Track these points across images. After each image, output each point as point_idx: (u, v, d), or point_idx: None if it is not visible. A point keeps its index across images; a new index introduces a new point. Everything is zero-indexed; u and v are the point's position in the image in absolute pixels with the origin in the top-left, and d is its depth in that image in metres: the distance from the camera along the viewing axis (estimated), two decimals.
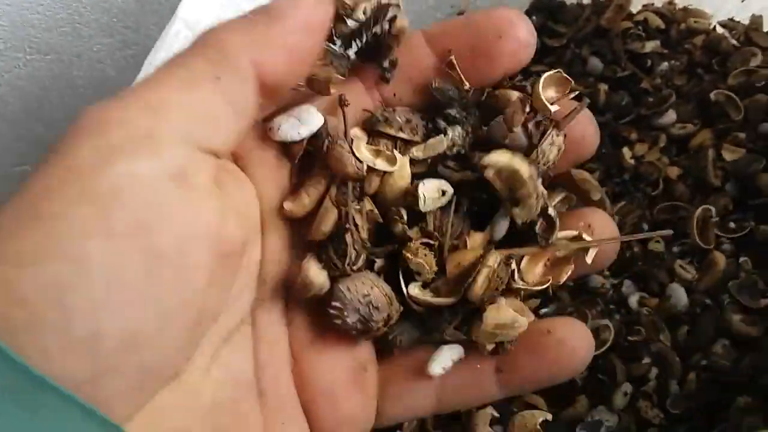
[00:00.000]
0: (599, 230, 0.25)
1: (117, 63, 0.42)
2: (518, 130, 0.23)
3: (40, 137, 0.42)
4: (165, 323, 0.19)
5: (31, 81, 0.40)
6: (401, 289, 0.24)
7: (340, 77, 0.24)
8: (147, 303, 0.18)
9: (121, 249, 0.18)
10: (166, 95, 0.20)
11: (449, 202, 0.24)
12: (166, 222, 0.19)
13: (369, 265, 0.24)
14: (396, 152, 0.24)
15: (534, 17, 0.49)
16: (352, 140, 0.23)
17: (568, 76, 0.24)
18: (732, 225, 0.40)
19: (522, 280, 0.23)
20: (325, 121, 0.24)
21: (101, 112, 0.20)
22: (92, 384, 0.17)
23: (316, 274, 0.23)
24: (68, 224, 0.18)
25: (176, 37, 0.31)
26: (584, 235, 0.24)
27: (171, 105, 0.20)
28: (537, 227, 0.23)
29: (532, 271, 0.24)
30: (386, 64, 0.25)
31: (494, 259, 0.23)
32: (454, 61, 0.24)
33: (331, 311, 0.23)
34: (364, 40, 0.24)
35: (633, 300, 0.38)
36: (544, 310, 0.37)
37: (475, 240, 0.24)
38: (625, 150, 0.43)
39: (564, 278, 0.24)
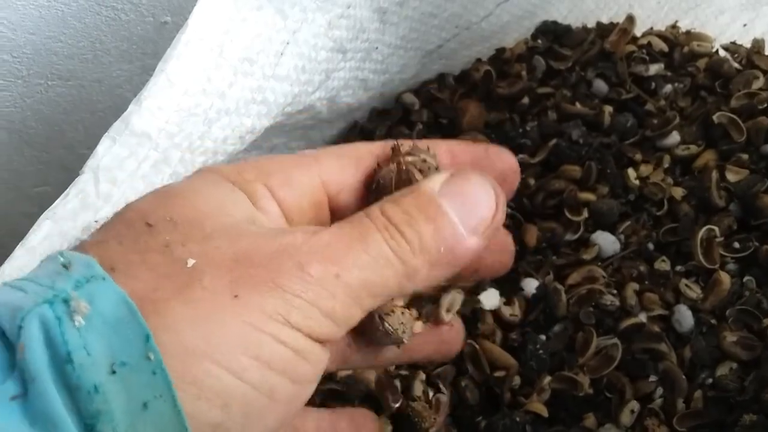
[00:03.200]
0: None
1: (136, 88, 0.42)
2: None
3: (62, 160, 0.42)
4: None
5: (52, 106, 0.41)
6: None
7: None
8: None
9: None
10: None
11: None
12: None
13: None
14: None
15: (540, 40, 0.50)
16: None
17: None
18: (736, 245, 0.40)
19: None
20: None
21: None
22: None
23: None
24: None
25: (186, 46, 0.31)
26: None
27: None
28: None
29: None
30: None
31: None
32: None
33: None
34: None
35: (641, 318, 0.38)
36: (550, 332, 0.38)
37: None
38: (630, 171, 0.43)
39: None
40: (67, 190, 0.28)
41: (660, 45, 0.48)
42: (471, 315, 0.38)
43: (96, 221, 0.28)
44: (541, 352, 0.35)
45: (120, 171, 0.29)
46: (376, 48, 0.41)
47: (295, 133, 0.42)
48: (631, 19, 0.48)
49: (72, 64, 0.40)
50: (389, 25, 0.41)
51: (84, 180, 0.29)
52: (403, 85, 0.46)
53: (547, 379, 0.36)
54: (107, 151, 0.29)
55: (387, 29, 0.41)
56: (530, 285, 0.38)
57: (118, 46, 0.41)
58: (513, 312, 0.37)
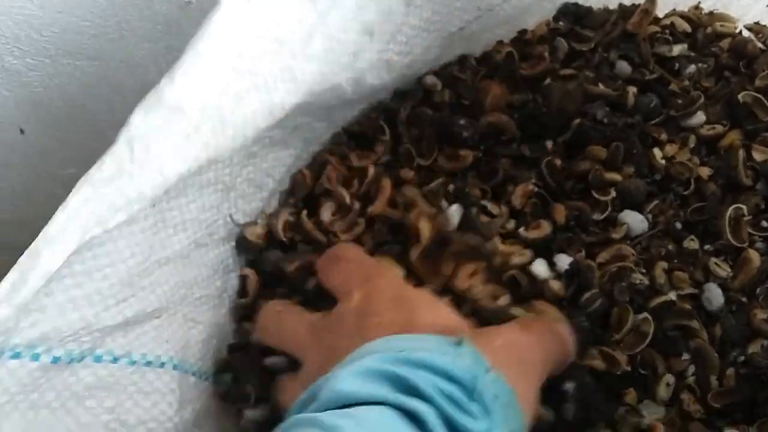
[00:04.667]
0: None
1: (160, 67, 0.42)
2: None
3: (86, 140, 0.42)
4: None
5: (78, 85, 0.41)
6: None
7: None
8: None
9: None
10: None
11: None
12: None
13: None
14: None
15: (561, 22, 0.50)
16: None
17: None
18: (764, 224, 0.39)
19: None
20: None
21: None
22: None
23: None
24: None
25: (218, 24, 0.31)
26: None
27: None
28: None
29: None
30: None
31: None
32: None
33: None
34: None
35: (671, 296, 0.37)
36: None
37: None
38: (656, 150, 0.43)
39: None
40: (103, 157, 0.28)
41: (683, 26, 0.48)
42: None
43: None
44: (586, 324, 0.35)
45: (153, 141, 0.29)
46: (401, 30, 0.41)
47: (319, 113, 0.42)
48: (652, 0, 0.47)
49: (98, 44, 0.40)
50: (414, 8, 0.41)
51: (119, 148, 0.29)
52: (425, 66, 0.46)
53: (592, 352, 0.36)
54: (141, 122, 0.30)
55: (412, 11, 0.41)
56: (563, 261, 0.37)
57: (143, 26, 0.40)
58: (559, 286, 0.37)
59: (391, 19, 0.39)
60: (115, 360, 0.34)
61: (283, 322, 0.38)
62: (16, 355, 0.30)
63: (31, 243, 0.27)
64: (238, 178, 0.39)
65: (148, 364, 0.36)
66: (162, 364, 0.37)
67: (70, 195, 0.27)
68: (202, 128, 0.31)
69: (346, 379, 0.26)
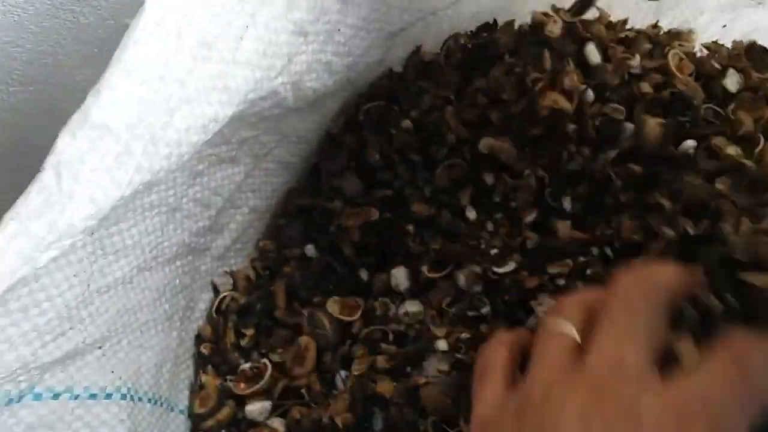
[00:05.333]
0: None
1: None
2: None
3: (27, 167, 0.41)
4: None
5: (14, 112, 0.40)
6: None
7: None
8: None
9: None
10: None
11: None
12: None
13: None
14: None
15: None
16: None
17: None
18: None
19: None
20: None
21: None
22: None
23: None
24: None
25: (143, 31, 0.30)
26: None
27: None
28: None
29: None
30: None
31: None
32: None
33: None
34: None
35: None
36: None
37: None
38: None
39: None
40: (29, 188, 0.27)
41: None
42: None
43: None
44: None
45: (82, 166, 0.28)
46: (339, 30, 0.40)
47: (264, 124, 0.41)
48: None
49: (33, 69, 0.39)
50: (352, 6, 0.40)
51: (46, 177, 0.28)
52: (368, 69, 0.45)
53: None
54: (67, 147, 0.29)
55: (349, 10, 0.40)
56: None
57: (79, 50, 0.40)
58: None
59: (326, 18, 0.38)
60: (56, 396, 0.33)
61: None
62: None
63: None
64: (183, 198, 0.38)
65: (93, 396, 0.35)
66: (108, 395, 0.36)
67: None
68: (133, 148, 0.29)
69: None
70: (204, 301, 0.44)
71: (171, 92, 0.30)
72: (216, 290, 0.45)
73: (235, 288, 0.45)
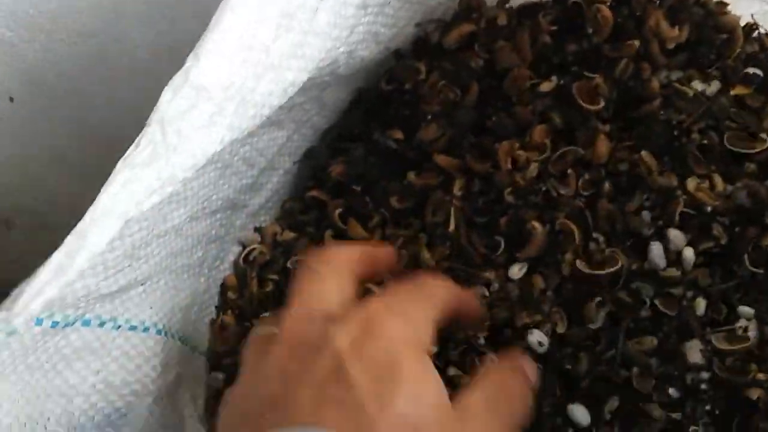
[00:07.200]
0: None
1: (152, 49, 0.43)
2: None
3: (76, 112, 0.42)
4: None
5: (72, 62, 0.41)
6: None
7: None
8: None
9: None
10: None
11: None
12: None
13: None
14: None
15: None
16: None
17: None
18: None
19: None
20: None
21: None
22: None
23: None
24: None
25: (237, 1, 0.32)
26: None
27: None
28: None
29: None
30: None
31: None
32: None
33: None
34: None
35: None
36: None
37: None
38: None
39: None
40: (137, 139, 0.30)
41: None
42: None
43: None
44: None
45: (183, 123, 0.31)
46: (389, 2, 0.42)
47: (312, 92, 0.43)
48: None
49: (93, 23, 0.40)
50: None
51: (152, 131, 0.31)
52: (403, 39, 0.46)
53: None
54: (169, 104, 0.31)
55: None
56: None
57: (138, 9, 0.41)
58: None
59: None
60: (102, 324, 0.36)
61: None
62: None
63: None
64: (235, 156, 0.41)
65: (133, 328, 0.38)
66: (146, 329, 0.39)
67: (111, 176, 0.28)
68: (226, 109, 0.32)
69: None
70: (233, 253, 0.47)
71: (258, 59, 0.33)
72: (243, 244, 0.48)
73: (262, 242, 0.48)
